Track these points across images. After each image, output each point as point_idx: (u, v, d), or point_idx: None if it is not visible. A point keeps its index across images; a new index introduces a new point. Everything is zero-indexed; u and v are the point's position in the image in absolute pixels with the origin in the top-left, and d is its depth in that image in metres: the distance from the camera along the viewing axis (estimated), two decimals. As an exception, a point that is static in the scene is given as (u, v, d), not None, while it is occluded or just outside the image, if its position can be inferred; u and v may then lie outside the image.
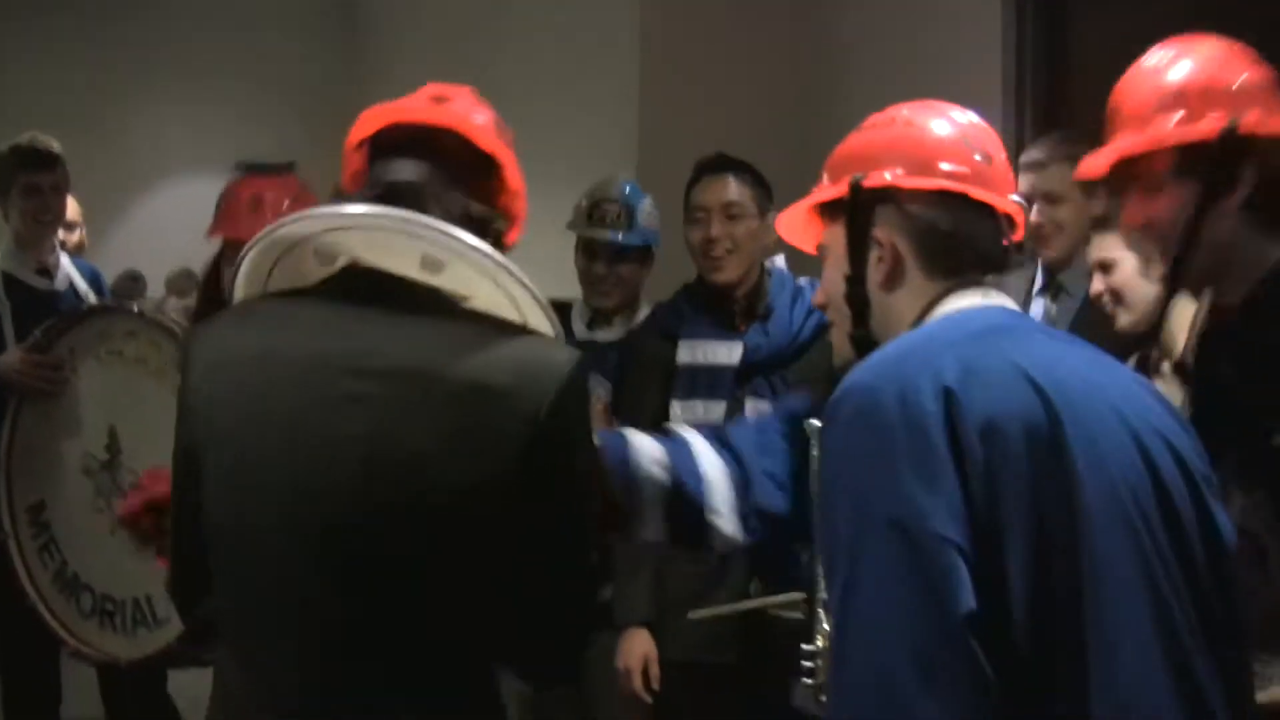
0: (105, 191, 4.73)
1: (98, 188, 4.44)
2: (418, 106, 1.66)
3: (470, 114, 1.66)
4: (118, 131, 6.00)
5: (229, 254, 2.82)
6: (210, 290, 2.97)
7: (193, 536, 1.59)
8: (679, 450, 1.89)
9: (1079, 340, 1.60)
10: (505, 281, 1.55)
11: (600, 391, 3.29)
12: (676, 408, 2.89)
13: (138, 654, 2.88)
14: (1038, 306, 3.04)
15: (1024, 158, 3.02)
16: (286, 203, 2.79)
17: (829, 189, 1.64)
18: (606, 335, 3.31)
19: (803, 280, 3.04)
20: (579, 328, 3.35)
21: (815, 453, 2.25)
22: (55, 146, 3.55)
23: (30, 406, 3.17)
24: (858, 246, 1.59)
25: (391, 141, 1.63)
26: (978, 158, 1.60)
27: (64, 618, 3.00)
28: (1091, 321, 2.70)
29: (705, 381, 2.89)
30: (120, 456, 2.97)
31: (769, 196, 2.99)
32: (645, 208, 3.31)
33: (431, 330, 1.53)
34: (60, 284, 3.58)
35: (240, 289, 1.65)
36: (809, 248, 1.78)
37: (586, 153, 4.38)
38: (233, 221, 2.88)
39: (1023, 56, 3.90)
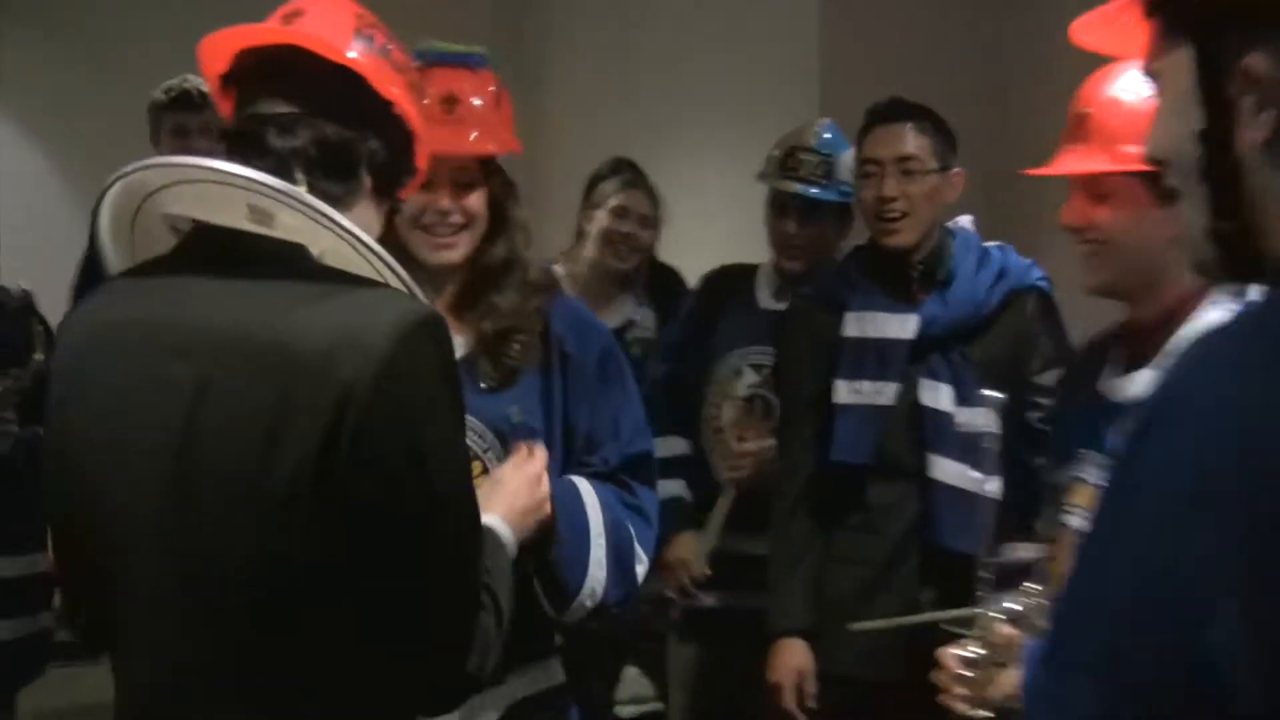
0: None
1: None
2: (264, 27, 1.45)
3: (321, 26, 1.43)
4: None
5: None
6: None
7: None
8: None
9: None
10: (330, 226, 1.33)
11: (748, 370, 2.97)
12: (841, 388, 2.54)
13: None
14: None
15: None
16: (479, 105, 2.02)
17: None
18: None
19: (992, 245, 2.65)
20: (763, 296, 3.03)
21: (992, 429, 1.91)
22: (207, 87, 3.39)
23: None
24: (1217, 83, 0.92)
25: (245, 73, 1.43)
26: None
27: None
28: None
29: (874, 358, 2.53)
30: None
31: (952, 147, 2.60)
32: (846, 160, 2.95)
33: (264, 294, 1.32)
34: None
35: (112, 260, 1.48)
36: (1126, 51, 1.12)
37: (762, 100, 4.04)
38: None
39: None
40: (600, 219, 3.23)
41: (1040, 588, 1.87)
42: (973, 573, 2.44)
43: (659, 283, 3.39)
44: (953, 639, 2.34)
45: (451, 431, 1.34)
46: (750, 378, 2.98)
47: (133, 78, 4.25)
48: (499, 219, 2.02)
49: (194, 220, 1.41)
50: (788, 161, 2.95)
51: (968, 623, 2.34)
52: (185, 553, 1.29)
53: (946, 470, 2.45)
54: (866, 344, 2.54)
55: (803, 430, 2.63)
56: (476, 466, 1.99)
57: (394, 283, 1.36)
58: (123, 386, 1.33)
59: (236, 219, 1.36)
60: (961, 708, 1.82)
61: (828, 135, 2.97)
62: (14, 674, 2.77)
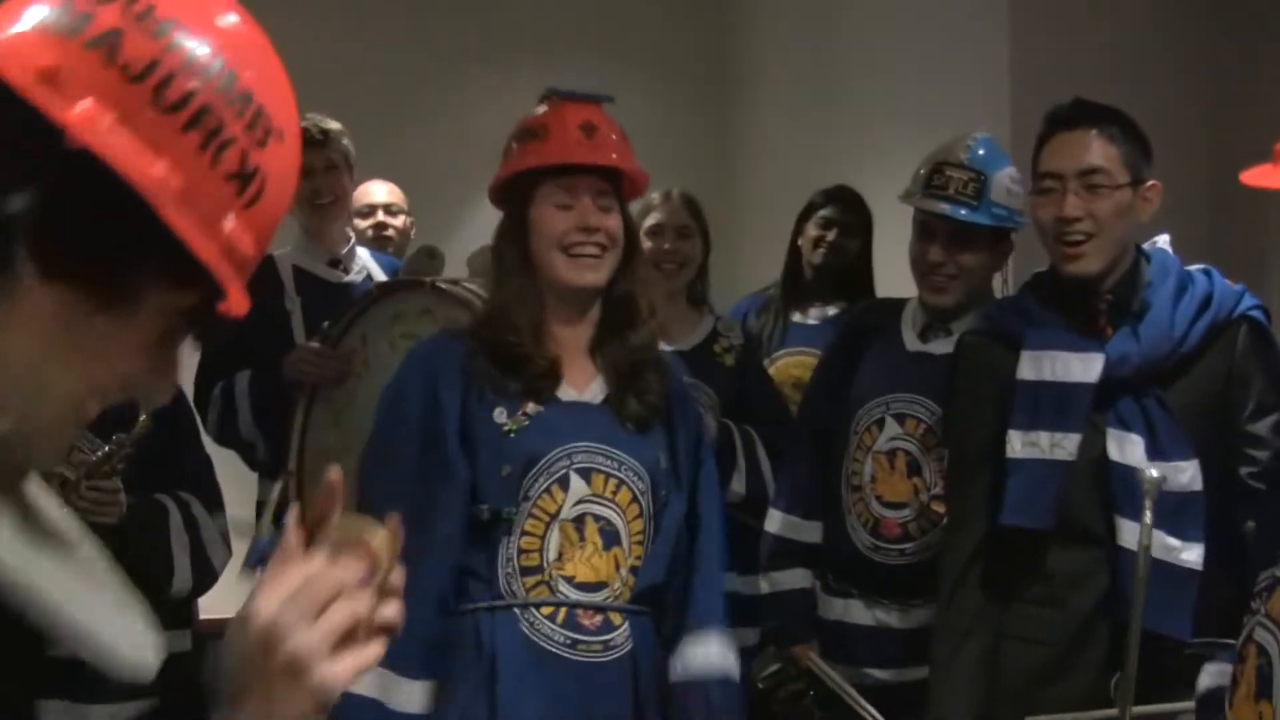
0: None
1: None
2: None
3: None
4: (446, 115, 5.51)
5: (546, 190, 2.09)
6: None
7: None
8: None
9: None
10: None
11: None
12: (1015, 439, 2.20)
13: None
14: None
15: None
16: (614, 136, 2.16)
17: None
18: (943, 348, 2.58)
19: (1196, 268, 2.27)
20: (909, 337, 2.70)
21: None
22: (330, 124, 3.28)
23: (322, 408, 2.95)
24: None
25: None
26: None
27: None
28: None
29: (1052, 405, 2.18)
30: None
31: (1146, 156, 2.22)
32: (1002, 179, 2.61)
33: None
34: (355, 276, 3.33)
35: None
36: None
37: (946, 116, 3.69)
38: (563, 148, 2.09)
39: None
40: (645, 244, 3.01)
41: None
42: (1172, 657, 2.10)
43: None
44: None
45: None
46: (893, 429, 2.65)
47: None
48: (629, 252, 2.11)
49: None
50: (933, 179, 2.61)
51: (1168, 720, 2.01)
52: None
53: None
54: (1044, 388, 2.20)
55: (973, 487, 2.30)
56: (632, 509, 2.06)
57: None
58: None
59: None
60: None
61: (981, 151, 2.63)
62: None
